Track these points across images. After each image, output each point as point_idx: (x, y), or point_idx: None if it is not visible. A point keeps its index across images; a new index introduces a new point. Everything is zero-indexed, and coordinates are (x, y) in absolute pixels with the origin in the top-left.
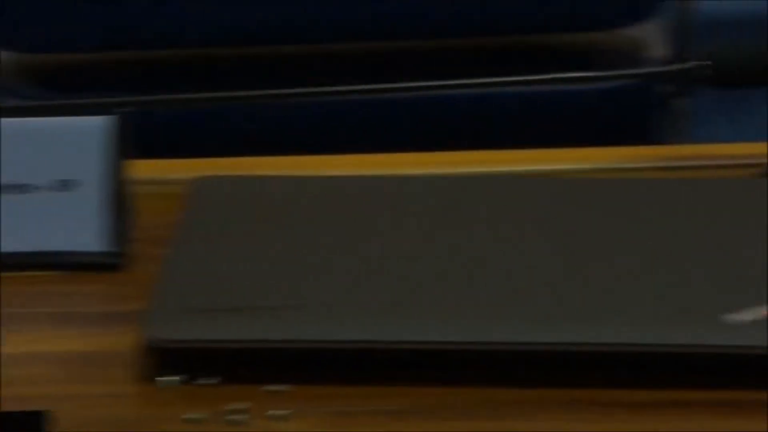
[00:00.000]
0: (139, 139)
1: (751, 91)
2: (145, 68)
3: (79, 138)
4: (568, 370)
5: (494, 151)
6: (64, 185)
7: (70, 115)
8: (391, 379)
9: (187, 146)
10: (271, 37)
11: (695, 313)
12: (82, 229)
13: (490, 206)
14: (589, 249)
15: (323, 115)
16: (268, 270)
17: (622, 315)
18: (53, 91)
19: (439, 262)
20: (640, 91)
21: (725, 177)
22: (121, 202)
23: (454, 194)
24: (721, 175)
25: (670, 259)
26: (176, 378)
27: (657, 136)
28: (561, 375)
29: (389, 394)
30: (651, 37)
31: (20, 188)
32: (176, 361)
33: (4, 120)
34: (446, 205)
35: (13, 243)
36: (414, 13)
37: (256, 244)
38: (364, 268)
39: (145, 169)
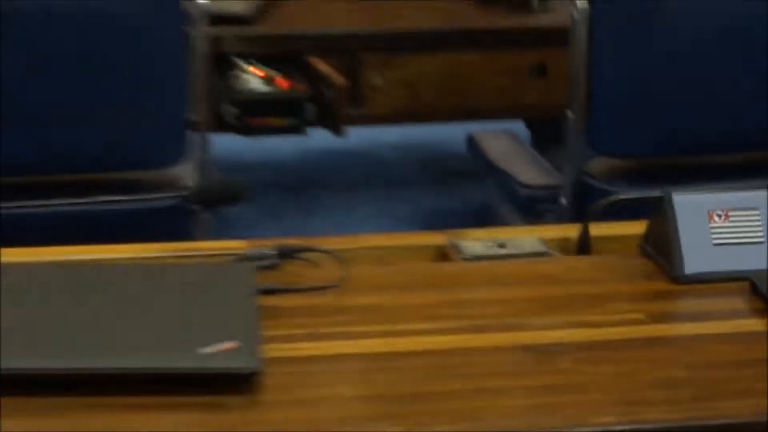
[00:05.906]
0: None
1: None
2: None
3: None
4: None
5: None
6: None
7: None
8: None
9: None
10: None
11: (179, 346)
12: None
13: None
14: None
15: None
16: None
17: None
18: None
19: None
20: (179, 207)
21: (215, 262)
22: None
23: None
24: (214, 261)
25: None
26: None
27: (192, 236)
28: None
29: None
30: (184, 172)
31: None
32: None
33: None
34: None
35: None
36: None
37: None
38: None
39: None
